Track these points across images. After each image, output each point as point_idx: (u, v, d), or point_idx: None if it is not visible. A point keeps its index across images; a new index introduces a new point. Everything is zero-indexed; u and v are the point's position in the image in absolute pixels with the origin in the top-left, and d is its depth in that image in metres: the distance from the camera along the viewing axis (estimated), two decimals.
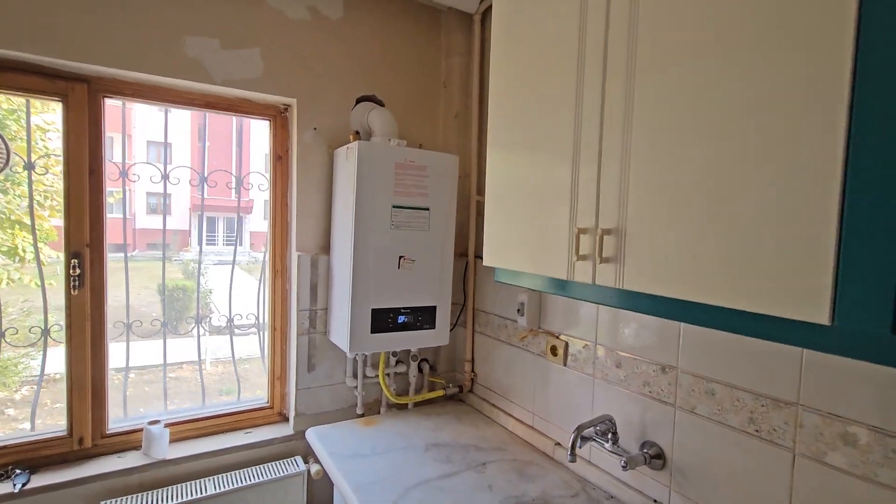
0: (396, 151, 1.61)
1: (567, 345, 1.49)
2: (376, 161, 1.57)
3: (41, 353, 1.56)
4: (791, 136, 0.66)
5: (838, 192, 0.61)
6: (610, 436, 1.27)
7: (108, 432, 1.58)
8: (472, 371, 1.95)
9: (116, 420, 1.65)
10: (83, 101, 1.47)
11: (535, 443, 1.59)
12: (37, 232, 1.58)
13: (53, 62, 1.39)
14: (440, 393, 1.93)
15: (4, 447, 1.43)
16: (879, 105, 0.58)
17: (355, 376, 1.84)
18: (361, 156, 1.55)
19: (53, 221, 1.82)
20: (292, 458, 1.73)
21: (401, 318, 1.67)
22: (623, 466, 1.16)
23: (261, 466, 1.68)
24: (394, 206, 1.61)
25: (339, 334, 1.67)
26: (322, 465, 1.64)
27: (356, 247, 1.56)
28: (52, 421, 1.63)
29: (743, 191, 0.72)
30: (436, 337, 1.75)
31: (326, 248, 1.80)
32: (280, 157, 1.81)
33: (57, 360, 1.58)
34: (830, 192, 0.62)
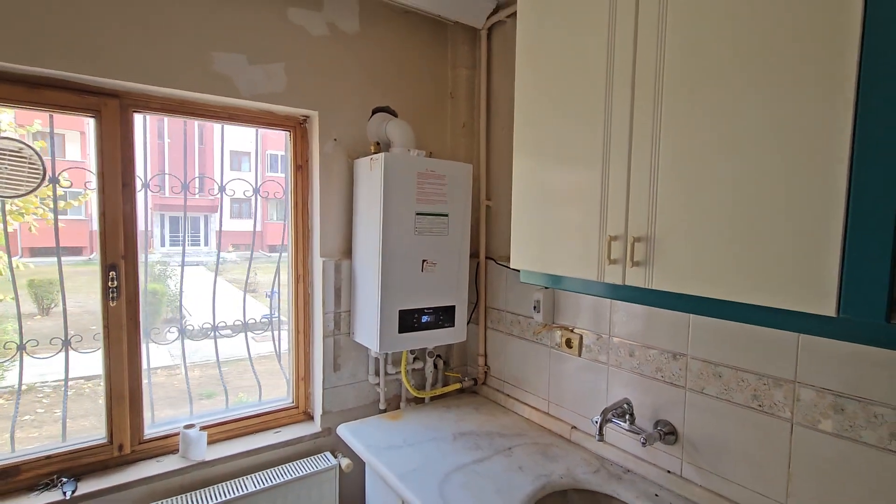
0: (418, 162, 1.71)
1: (582, 337, 1.64)
2: (400, 171, 1.67)
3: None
4: (801, 155, 0.81)
5: (843, 206, 0.77)
6: (627, 417, 1.43)
7: (145, 438, 1.63)
8: (486, 365, 2.08)
9: (149, 426, 1.69)
10: (115, 116, 1.50)
11: (551, 427, 1.74)
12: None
13: (86, 79, 1.42)
14: (457, 386, 2.06)
15: (49, 457, 1.47)
16: (879, 132, 0.73)
17: (377, 374, 1.94)
18: (387, 167, 1.64)
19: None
20: (323, 454, 1.82)
21: (424, 318, 1.78)
22: (642, 443, 1.32)
23: (294, 463, 1.76)
24: (417, 213, 1.72)
25: (366, 335, 1.77)
26: (355, 459, 1.75)
27: (384, 252, 1.66)
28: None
29: (759, 202, 0.87)
30: (455, 334, 1.87)
31: (348, 253, 1.89)
32: (300, 167, 1.88)
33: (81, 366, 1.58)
34: (836, 206, 0.77)
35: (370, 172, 1.73)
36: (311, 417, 1.94)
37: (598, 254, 1.16)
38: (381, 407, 1.96)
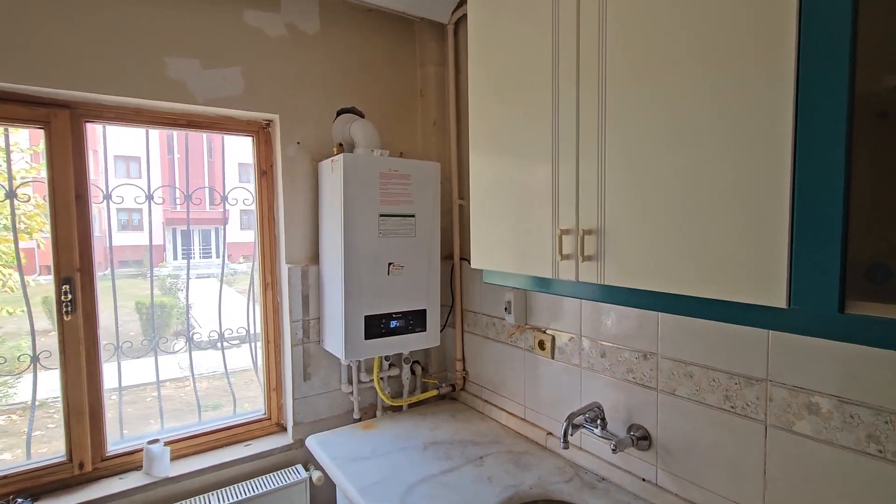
0: (380, 161, 1.66)
1: (554, 338, 1.57)
2: (361, 172, 1.62)
3: (20, 381, 1.54)
4: (745, 145, 0.74)
5: (788, 194, 0.69)
6: (599, 422, 1.35)
7: (107, 455, 1.59)
8: (464, 370, 2.01)
9: (114, 442, 1.65)
10: (66, 127, 1.48)
11: (528, 434, 1.66)
12: (16, 258, 1.57)
13: (33, 90, 1.40)
14: (433, 393, 1.99)
15: (5, 476, 1.43)
16: (820, 120, 0.66)
17: (350, 382, 1.88)
18: (347, 167, 1.59)
19: (22, 244, 1.80)
20: (294, 467, 1.76)
21: (393, 323, 1.72)
22: (613, 449, 1.25)
23: (263, 477, 1.71)
24: (381, 215, 1.66)
25: (334, 342, 1.71)
26: (323, 471, 1.69)
27: (346, 256, 1.61)
28: (37, 448, 1.62)
29: (705, 193, 0.80)
30: (427, 339, 1.81)
31: (315, 258, 1.84)
32: (265, 172, 1.84)
33: (42, 386, 1.57)
34: (782, 195, 0.70)
35: (331, 175, 1.68)
36: (284, 429, 1.89)
37: (552, 250, 1.10)
38: (356, 416, 1.90)
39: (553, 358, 1.57)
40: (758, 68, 0.72)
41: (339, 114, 1.87)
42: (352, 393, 1.89)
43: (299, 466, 1.77)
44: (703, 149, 0.80)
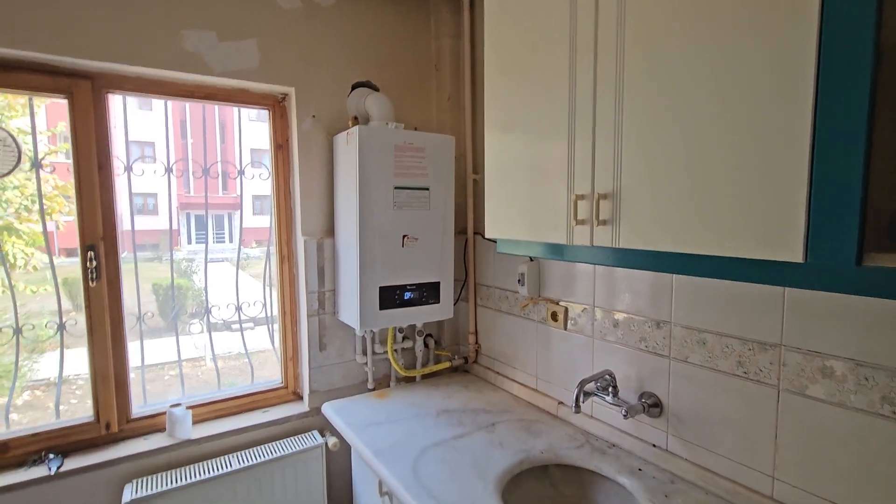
0: (395, 134, 1.67)
1: (567, 310, 1.58)
2: (376, 144, 1.63)
3: (43, 357, 1.58)
4: (761, 95, 0.74)
5: (808, 141, 0.69)
6: (610, 389, 1.37)
7: (132, 417, 1.65)
8: (477, 342, 2.04)
9: (139, 406, 1.71)
10: (88, 97, 1.51)
11: (539, 403, 1.68)
12: (43, 230, 1.62)
13: (56, 59, 1.42)
14: (446, 365, 2.02)
15: (36, 434, 1.50)
16: (842, 65, 0.65)
17: (365, 353, 1.92)
18: (362, 140, 1.60)
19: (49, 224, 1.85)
20: (310, 433, 1.81)
21: (407, 295, 1.74)
22: (624, 415, 1.26)
23: (281, 441, 1.76)
24: (395, 188, 1.67)
25: (349, 313, 1.74)
26: (339, 437, 1.73)
27: (361, 228, 1.63)
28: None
29: (722, 146, 0.80)
30: (441, 311, 1.83)
31: (331, 231, 1.87)
32: (280, 146, 1.85)
33: (71, 359, 1.64)
34: (801, 143, 0.70)
35: (346, 147, 1.69)
36: (300, 397, 1.94)
37: (567, 215, 1.10)
38: (370, 386, 1.94)
39: (566, 329, 1.59)
40: (778, 17, 0.71)
41: (353, 88, 1.88)
42: (366, 363, 1.92)
43: (315, 433, 1.82)
44: (711, 99, 0.80)
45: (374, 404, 1.73)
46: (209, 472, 1.58)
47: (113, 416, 1.60)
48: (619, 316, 1.40)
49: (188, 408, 1.69)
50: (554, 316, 1.62)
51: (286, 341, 1.92)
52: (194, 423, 1.72)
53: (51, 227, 2.05)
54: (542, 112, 1.16)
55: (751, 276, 0.80)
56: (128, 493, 1.46)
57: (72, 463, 1.48)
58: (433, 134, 1.76)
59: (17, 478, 1.40)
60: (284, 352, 1.93)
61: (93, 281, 1.53)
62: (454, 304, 2.02)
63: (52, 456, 1.48)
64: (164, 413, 1.66)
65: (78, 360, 1.65)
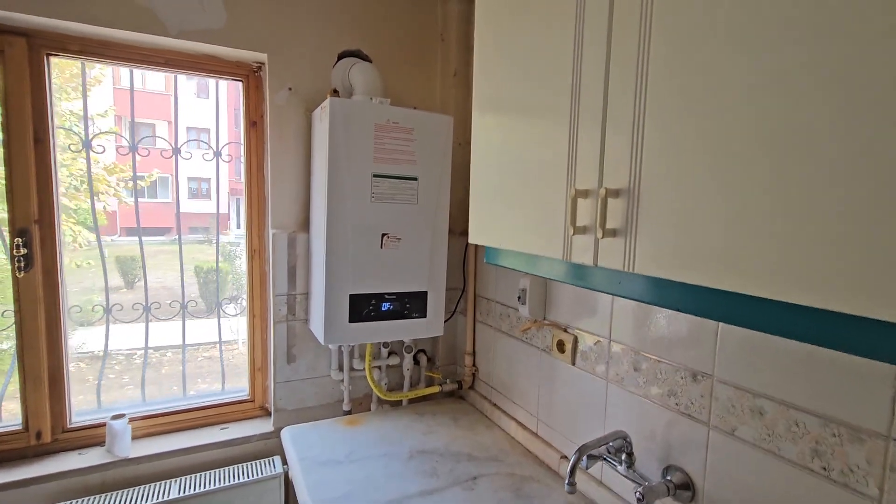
0: (376, 110, 1.37)
1: (576, 339, 1.23)
2: (353, 121, 1.34)
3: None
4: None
5: None
6: (624, 456, 1.02)
7: (70, 426, 1.46)
8: (474, 365, 1.72)
9: (83, 413, 1.52)
10: (23, 58, 1.30)
11: (538, 453, 1.35)
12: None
13: None
14: (436, 389, 1.72)
15: None
16: None
17: (341, 369, 1.65)
18: (334, 114, 1.32)
19: None
20: (270, 459, 1.56)
21: (385, 306, 1.45)
22: (638, 499, 0.91)
23: (236, 467, 1.52)
24: (374, 175, 1.38)
25: (316, 323, 1.47)
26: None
27: (329, 222, 1.35)
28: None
29: (819, 137, 0.44)
30: (427, 327, 1.52)
31: (306, 224, 1.60)
32: (254, 123, 1.60)
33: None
34: None
35: (320, 124, 1.41)
36: (268, 413, 1.69)
37: (564, 220, 0.77)
38: (346, 408, 1.66)
39: (573, 364, 1.24)
40: None
41: (340, 57, 1.59)
42: (342, 381, 1.65)
43: (277, 459, 1.56)
44: (811, 56, 0.44)
45: (342, 433, 1.45)
46: (146, 500, 1.35)
47: (45, 425, 1.41)
48: (644, 356, 1.04)
49: (132, 420, 1.48)
50: (560, 346, 1.27)
51: (254, 348, 1.68)
52: (142, 436, 1.51)
53: None
54: (540, 73, 0.83)
55: (857, 344, 0.45)
56: None
57: None
58: (425, 112, 1.44)
59: None
60: (252, 360, 1.69)
61: (20, 271, 1.34)
62: (449, 318, 1.71)
63: None
64: (105, 424, 1.46)
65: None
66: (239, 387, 1.72)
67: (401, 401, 1.72)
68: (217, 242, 1.71)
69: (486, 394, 1.66)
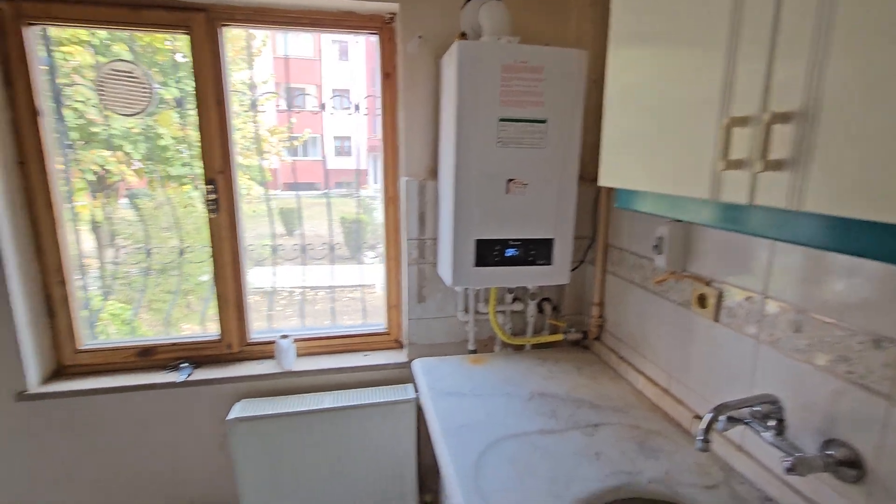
0: (504, 50, 1.33)
1: (721, 294, 1.11)
2: (480, 63, 1.32)
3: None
4: None
5: None
6: (774, 423, 0.91)
7: (249, 341, 1.78)
8: (601, 316, 1.66)
9: (259, 332, 1.84)
10: (204, 31, 1.52)
11: (667, 409, 1.28)
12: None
13: None
14: (559, 337, 1.71)
15: (176, 344, 1.72)
16: None
17: (466, 311, 1.73)
18: (461, 58, 1.31)
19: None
20: (404, 386, 1.74)
21: (509, 252, 1.46)
22: (787, 469, 0.82)
23: (377, 389, 1.72)
24: (500, 119, 1.36)
25: (444, 266, 1.55)
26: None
27: (457, 168, 1.37)
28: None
29: None
30: (552, 275, 1.50)
31: (434, 172, 1.66)
32: (388, 75, 1.67)
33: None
34: None
35: (448, 70, 1.42)
36: (401, 346, 1.87)
37: (712, 152, 0.68)
38: (471, 348, 1.75)
39: (716, 320, 1.13)
40: None
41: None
42: (468, 322, 1.73)
43: (409, 386, 1.73)
44: None
45: (467, 370, 1.55)
46: (306, 406, 1.61)
47: (234, 339, 1.75)
48: (808, 316, 0.90)
49: (295, 340, 1.75)
50: (701, 300, 1.16)
51: (390, 287, 1.84)
52: (301, 355, 1.78)
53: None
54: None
55: None
56: (235, 410, 1.59)
57: (199, 374, 1.67)
58: (556, 48, 1.36)
59: (158, 379, 1.63)
60: (388, 298, 1.86)
61: (213, 213, 1.63)
62: (576, 268, 1.67)
63: (185, 365, 1.68)
64: (275, 342, 1.75)
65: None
66: (377, 321, 1.92)
67: (524, 345, 1.76)
68: (357, 196, 1.88)
69: (612, 346, 1.60)
